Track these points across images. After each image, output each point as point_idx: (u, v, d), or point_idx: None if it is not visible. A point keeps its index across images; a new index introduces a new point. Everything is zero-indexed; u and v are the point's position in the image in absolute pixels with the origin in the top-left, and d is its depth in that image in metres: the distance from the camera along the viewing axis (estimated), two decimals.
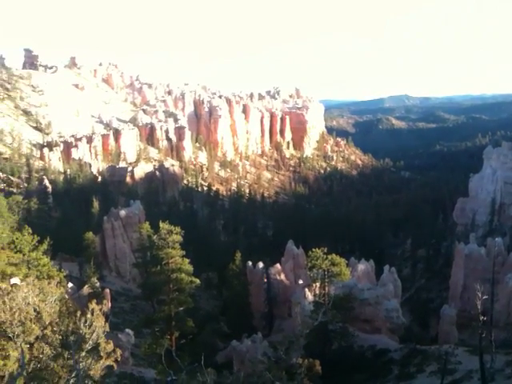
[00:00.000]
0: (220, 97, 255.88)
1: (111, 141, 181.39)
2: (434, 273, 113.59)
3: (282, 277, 66.76)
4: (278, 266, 67.37)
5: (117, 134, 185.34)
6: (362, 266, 62.11)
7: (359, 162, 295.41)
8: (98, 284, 51.49)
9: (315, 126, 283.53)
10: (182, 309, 42.19)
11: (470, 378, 32.40)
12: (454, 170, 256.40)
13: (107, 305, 41.62)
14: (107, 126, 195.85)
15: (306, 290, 52.22)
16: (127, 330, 40.04)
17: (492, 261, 66.99)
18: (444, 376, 31.25)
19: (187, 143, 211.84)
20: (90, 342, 18.58)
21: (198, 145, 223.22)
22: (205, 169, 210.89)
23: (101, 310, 19.55)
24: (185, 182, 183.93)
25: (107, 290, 49.63)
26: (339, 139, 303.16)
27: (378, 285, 55.67)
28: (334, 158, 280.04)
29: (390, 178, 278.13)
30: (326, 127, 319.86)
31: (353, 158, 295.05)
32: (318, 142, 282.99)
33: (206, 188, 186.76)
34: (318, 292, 43.52)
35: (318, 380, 25.37)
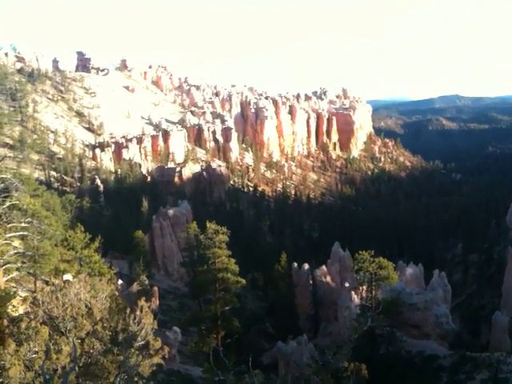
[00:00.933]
0: (266, 98, 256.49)
1: (160, 142, 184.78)
2: (486, 279, 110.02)
3: (328, 279, 66.07)
4: (323, 268, 66.75)
5: (166, 135, 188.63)
6: (410, 270, 60.71)
7: (408, 164, 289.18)
8: (146, 282, 52.52)
9: (362, 126, 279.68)
10: (228, 308, 42.51)
11: None
12: (507, 173, 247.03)
13: (155, 302, 42.58)
14: (156, 127, 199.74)
15: (353, 293, 51.54)
16: (175, 328, 40.60)
17: None
18: None
19: (234, 144, 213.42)
20: (139, 338, 18.91)
21: (244, 146, 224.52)
22: (251, 170, 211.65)
23: (149, 307, 19.87)
24: (231, 182, 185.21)
25: (155, 288, 50.45)
26: (387, 140, 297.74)
27: (427, 289, 54.20)
28: (382, 159, 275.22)
29: (441, 180, 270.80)
30: (374, 128, 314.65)
31: (401, 159, 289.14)
32: (365, 143, 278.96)
33: (251, 189, 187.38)
34: (364, 295, 42.86)
35: None
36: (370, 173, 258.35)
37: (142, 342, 18.94)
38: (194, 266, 64.48)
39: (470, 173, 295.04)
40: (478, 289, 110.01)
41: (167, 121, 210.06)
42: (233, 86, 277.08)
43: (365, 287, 42.30)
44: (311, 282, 65.12)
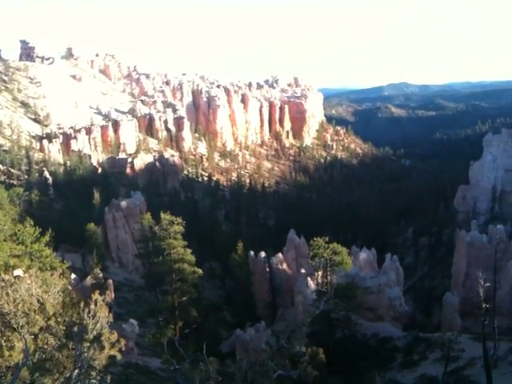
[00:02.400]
0: (218, 86, 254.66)
1: (110, 132, 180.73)
2: (437, 261, 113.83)
3: (285, 266, 66.78)
4: (280, 255, 67.39)
5: (116, 125, 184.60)
6: (363, 255, 62.09)
7: (359, 151, 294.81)
8: (100, 275, 51.42)
9: (314, 114, 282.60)
10: (185, 299, 42.39)
11: (474, 365, 32.38)
12: (454, 158, 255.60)
13: (110, 295, 41.82)
14: (106, 117, 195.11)
15: (309, 279, 52.21)
16: (131, 320, 40.08)
17: (494, 248, 66.81)
18: (447, 363, 31.22)
19: (186, 133, 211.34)
20: (94, 332, 18.53)
21: (197, 135, 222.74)
22: (205, 159, 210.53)
23: (104, 300, 19.48)
24: (185, 172, 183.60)
25: (110, 281, 49.59)
26: (339, 128, 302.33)
27: (381, 273, 55.62)
28: (334, 146, 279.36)
29: (391, 166, 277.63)
30: (326, 116, 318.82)
31: (353, 146, 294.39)
32: (317, 131, 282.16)
33: (206, 178, 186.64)
34: (320, 281, 43.44)
35: (322, 368, 25.34)
36: (322, 160, 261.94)
37: (98, 336, 18.57)
38: (149, 258, 64.08)
39: (419, 159, 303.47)
40: (429, 271, 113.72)
41: (117, 110, 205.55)
42: (183, 74, 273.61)
43: (320, 273, 42.84)
44: (268, 269, 65.67)
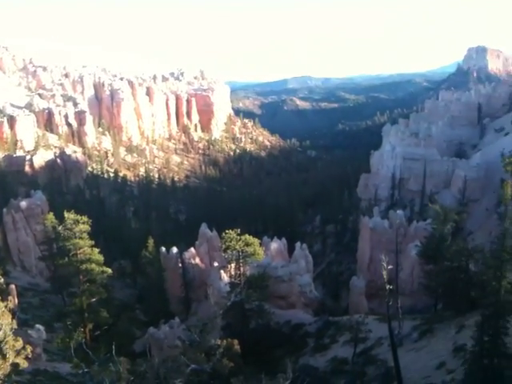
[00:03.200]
0: (121, 79, 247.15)
1: (6, 128, 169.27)
2: (343, 247, 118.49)
3: (197, 260, 66.49)
4: (192, 250, 66.99)
5: (11, 120, 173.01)
6: (274, 245, 63.23)
7: (267, 143, 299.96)
8: (1, 280, 48.34)
9: (222, 107, 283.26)
10: (94, 300, 40.93)
11: (381, 345, 34.22)
12: (356, 148, 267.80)
13: (13, 301, 39.38)
14: (0, 112, 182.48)
15: (222, 271, 52.37)
16: (38, 326, 38.11)
17: (395, 232, 70.96)
18: (356, 345, 32.74)
19: (89, 128, 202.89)
20: None
21: (100, 129, 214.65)
22: (110, 154, 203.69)
23: (6, 306, 18.53)
24: (89, 169, 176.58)
25: (12, 286, 46.80)
26: (246, 121, 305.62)
27: (291, 262, 57.05)
28: (243, 139, 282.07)
29: (298, 157, 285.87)
30: (233, 109, 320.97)
31: (261, 139, 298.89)
32: (225, 124, 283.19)
33: (112, 174, 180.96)
34: (233, 273, 43.71)
35: (237, 359, 25.49)
36: (232, 153, 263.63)
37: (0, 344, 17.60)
38: (54, 260, 61.40)
39: (323, 149, 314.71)
40: (337, 257, 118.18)
41: (12, 105, 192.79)
42: (84, 66, 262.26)
43: (233, 265, 43.11)
44: (180, 264, 65.05)
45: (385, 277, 27.30)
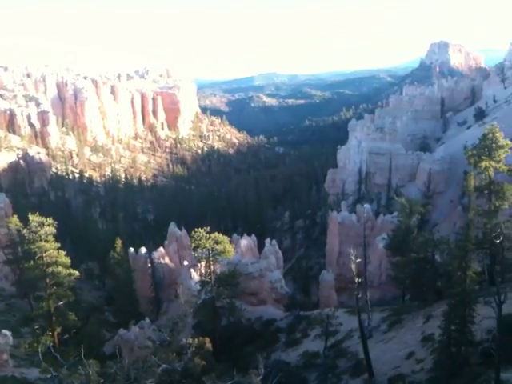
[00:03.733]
0: (85, 78, 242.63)
1: None
2: (312, 241, 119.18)
3: (167, 260, 65.95)
4: (161, 249, 66.41)
5: None
6: (244, 242, 63.21)
7: (235, 141, 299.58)
8: None
9: (188, 105, 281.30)
10: (61, 303, 40.17)
11: (351, 337, 34.66)
12: (323, 144, 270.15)
13: None
14: None
15: (192, 270, 52.10)
16: (4, 331, 37.13)
17: (362, 226, 71.97)
18: (327, 338, 33.04)
19: (52, 128, 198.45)
20: None
21: (64, 130, 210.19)
22: (74, 155, 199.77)
23: None
24: (53, 170, 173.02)
25: None
26: (214, 118, 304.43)
27: (261, 258, 57.12)
28: (211, 137, 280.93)
29: (266, 154, 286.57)
30: (200, 107, 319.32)
31: (228, 136, 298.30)
32: (192, 121, 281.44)
33: (77, 175, 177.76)
34: (203, 271, 43.51)
35: (209, 357, 25.41)
36: (199, 151, 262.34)
37: None
38: (19, 264, 60.11)
39: (291, 146, 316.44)
40: (306, 251, 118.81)
41: None
42: (46, 66, 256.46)
43: (203, 263, 42.91)
44: (150, 264, 64.38)
45: (353, 270, 27.59)
